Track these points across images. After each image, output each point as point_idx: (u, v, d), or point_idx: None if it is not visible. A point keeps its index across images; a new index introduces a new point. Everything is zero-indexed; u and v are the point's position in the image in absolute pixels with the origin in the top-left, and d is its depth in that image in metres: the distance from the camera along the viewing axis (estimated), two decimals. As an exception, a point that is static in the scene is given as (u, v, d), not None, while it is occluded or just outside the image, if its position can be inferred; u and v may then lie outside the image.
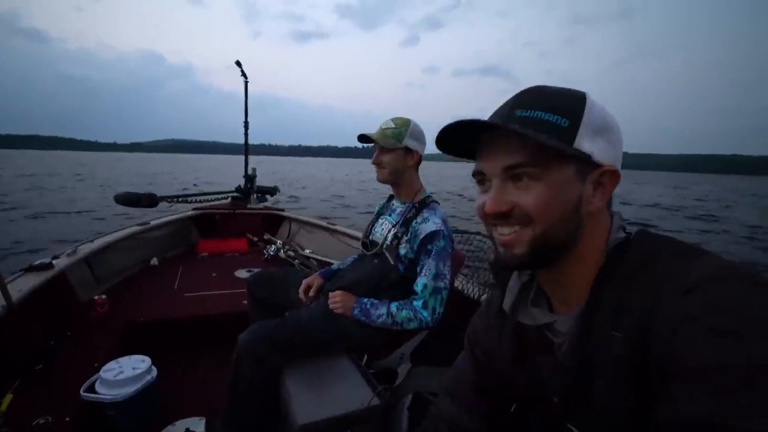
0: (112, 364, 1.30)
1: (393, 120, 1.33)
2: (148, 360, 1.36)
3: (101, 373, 1.26)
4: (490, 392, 0.63)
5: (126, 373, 1.27)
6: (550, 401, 0.51)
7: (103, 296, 1.82)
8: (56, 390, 1.25)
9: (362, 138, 1.34)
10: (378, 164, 1.33)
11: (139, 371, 1.29)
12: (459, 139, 0.50)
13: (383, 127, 1.32)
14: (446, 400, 0.68)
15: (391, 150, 1.30)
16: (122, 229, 2.60)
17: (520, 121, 0.45)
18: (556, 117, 0.45)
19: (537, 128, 0.44)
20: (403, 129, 1.30)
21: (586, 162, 0.45)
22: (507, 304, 0.56)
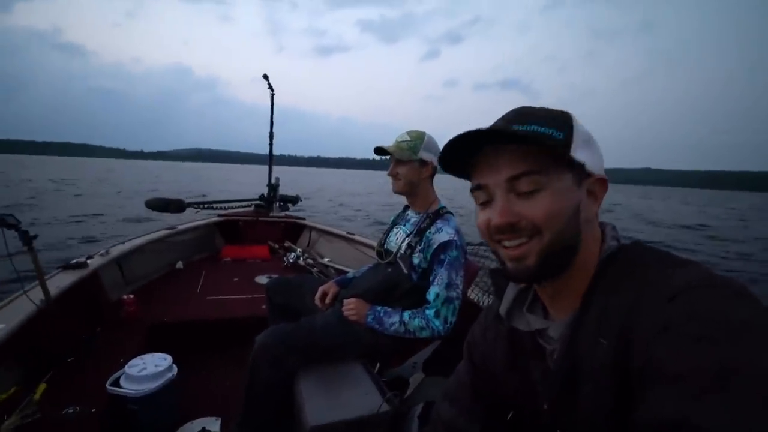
0: (136, 360, 1.37)
1: (408, 133, 1.37)
2: (169, 358, 1.41)
3: (126, 368, 1.32)
4: (486, 396, 0.64)
5: (149, 369, 1.33)
6: (541, 407, 0.52)
7: (131, 296, 1.90)
8: (85, 382, 1.32)
9: (378, 150, 1.37)
10: (394, 176, 1.37)
11: (161, 368, 1.35)
12: (463, 157, 0.50)
13: (399, 140, 1.36)
14: (445, 404, 0.70)
15: (406, 162, 1.34)
16: (151, 233, 2.72)
17: (524, 134, 0.46)
18: (551, 130, 0.47)
19: (536, 139, 0.46)
20: (417, 142, 1.34)
21: (580, 170, 0.48)
22: (503, 309, 0.57)
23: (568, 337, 0.47)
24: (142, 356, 1.40)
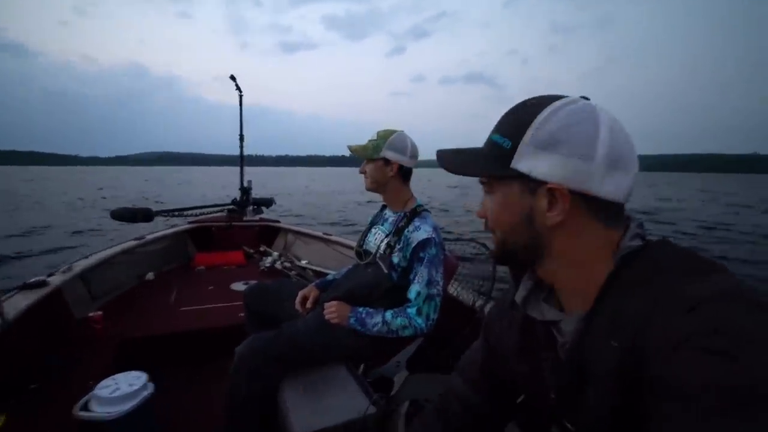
0: (107, 381, 1.30)
1: (378, 132, 1.40)
2: (144, 376, 1.35)
3: (96, 390, 1.25)
4: (495, 376, 0.66)
5: (122, 389, 1.26)
6: (548, 396, 0.52)
7: (99, 312, 1.81)
8: (51, 409, 1.24)
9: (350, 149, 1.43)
10: (363, 173, 1.41)
11: (136, 388, 1.28)
12: None
13: (370, 139, 1.40)
14: (457, 378, 0.73)
15: (371, 161, 1.37)
16: (118, 244, 2.60)
17: (487, 143, 0.52)
18: (503, 139, 0.49)
19: (490, 150, 0.51)
20: (381, 141, 1.36)
21: (529, 179, 0.47)
22: (519, 296, 0.57)
23: (580, 332, 0.47)
24: (114, 376, 1.33)
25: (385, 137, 1.36)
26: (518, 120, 0.48)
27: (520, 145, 0.47)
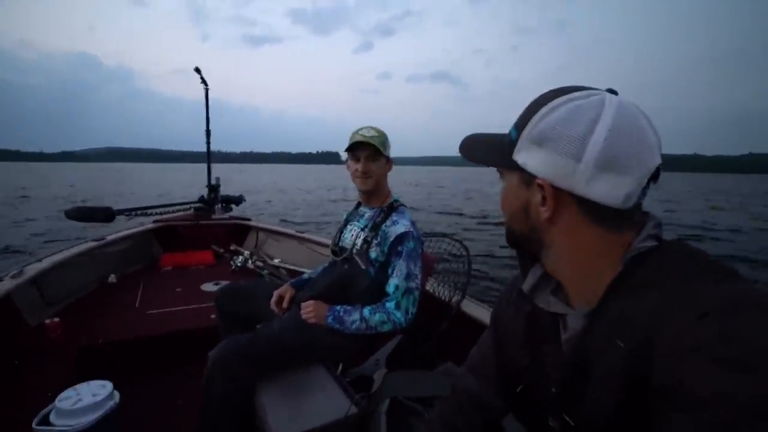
0: (68, 392, 1.21)
1: (373, 128, 1.33)
2: (109, 385, 1.28)
3: (56, 402, 1.17)
4: (505, 368, 0.64)
5: (85, 400, 1.19)
6: (549, 390, 0.52)
7: (56, 319, 1.69)
8: (7, 424, 1.15)
9: (356, 146, 1.30)
10: (365, 172, 1.31)
11: (100, 397, 1.21)
12: None
13: (367, 135, 1.29)
14: (468, 375, 0.70)
15: (378, 159, 1.32)
16: (75, 246, 2.43)
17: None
18: (513, 130, 0.51)
19: (501, 140, 0.53)
20: (384, 138, 1.33)
21: (525, 172, 0.49)
22: (527, 285, 0.56)
23: (585, 328, 0.47)
24: (76, 386, 1.24)
25: (383, 134, 1.33)
26: (527, 112, 0.49)
27: (520, 138, 0.49)
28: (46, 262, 2.06)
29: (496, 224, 10.39)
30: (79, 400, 1.19)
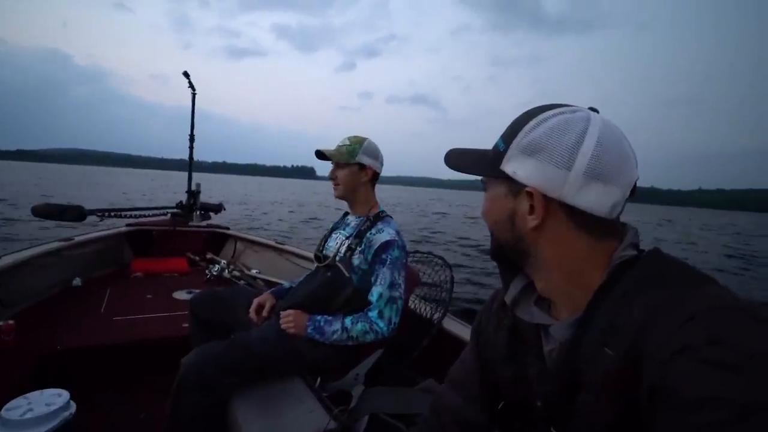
0: (17, 401, 1.11)
1: (348, 138, 1.39)
2: (65, 394, 1.18)
3: (2, 412, 1.07)
4: (488, 384, 0.63)
5: (36, 410, 1.09)
6: (534, 404, 0.51)
7: (11, 322, 1.57)
8: None
9: (318, 154, 1.38)
10: (333, 179, 1.38)
11: (54, 408, 1.11)
12: None
13: (339, 145, 1.38)
14: (451, 392, 0.68)
15: (345, 166, 1.35)
16: (38, 246, 2.29)
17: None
18: (501, 141, 0.52)
19: (488, 153, 0.54)
20: (356, 146, 1.35)
21: (513, 181, 0.50)
22: (509, 296, 0.56)
23: (570, 339, 0.46)
24: (27, 395, 1.14)
25: (359, 142, 1.36)
26: (515, 125, 0.51)
27: (509, 149, 0.50)
28: (5, 261, 1.93)
29: (474, 246, 10.47)
30: (30, 409, 1.09)
